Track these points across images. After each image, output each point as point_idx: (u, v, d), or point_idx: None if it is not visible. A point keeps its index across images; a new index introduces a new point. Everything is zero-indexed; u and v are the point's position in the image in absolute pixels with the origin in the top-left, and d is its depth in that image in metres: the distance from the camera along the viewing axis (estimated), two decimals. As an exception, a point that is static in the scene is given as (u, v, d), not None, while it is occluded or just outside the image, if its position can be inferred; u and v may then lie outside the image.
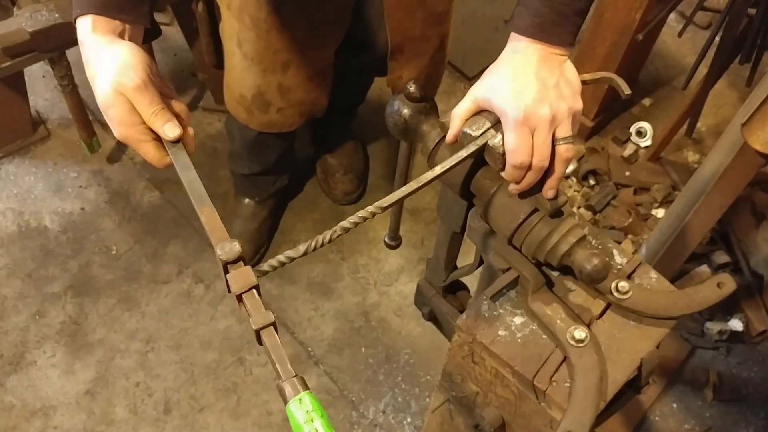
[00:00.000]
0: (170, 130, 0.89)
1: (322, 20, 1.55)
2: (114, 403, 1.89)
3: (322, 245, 0.84)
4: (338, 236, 0.84)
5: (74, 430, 1.85)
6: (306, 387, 0.76)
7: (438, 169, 0.89)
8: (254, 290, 0.80)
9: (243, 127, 1.77)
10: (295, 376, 0.76)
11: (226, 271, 0.81)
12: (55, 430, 1.85)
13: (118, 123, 0.90)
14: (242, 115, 1.71)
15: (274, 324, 0.79)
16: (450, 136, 0.96)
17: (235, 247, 0.81)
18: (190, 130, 0.93)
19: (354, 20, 1.61)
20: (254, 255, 2.09)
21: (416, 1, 1.50)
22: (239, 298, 0.80)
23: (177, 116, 0.92)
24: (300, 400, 0.75)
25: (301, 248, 0.84)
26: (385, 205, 0.85)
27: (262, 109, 1.67)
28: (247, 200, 2.09)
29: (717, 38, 1.90)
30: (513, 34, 0.93)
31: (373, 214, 0.85)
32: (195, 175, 0.87)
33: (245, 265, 0.81)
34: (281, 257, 0.83)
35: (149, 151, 0.91)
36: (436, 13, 1.56)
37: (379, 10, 1.53)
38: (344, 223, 0.85)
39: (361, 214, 0.85)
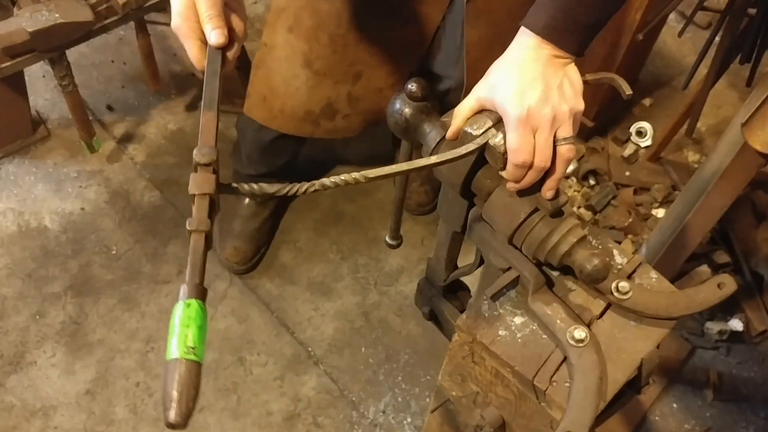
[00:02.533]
0: (215, 36, 0.91)
1: (402, 40, 1.55)
2: (114, 403, 1.89)
3: (296, 194, 0.85)
4: (315, 190, 0.85)
5: (74, 430, 1.85)
6: (203, 298, 0.76)
7: (433, 158, 0.89)
8: (208, 197, 0.81)
9: (259, 129, 1.77)
10: (200, 284, 0.77)
11: (195, 171, 0.82)
12: (55, 430, 1.85)
13: (177, 13, 0.92)
14: (308, 129, 1.70)
15: (207, 234, 0.80)
16: (450, 132, 0.97)
17: (212, 154, 0.82)
18: (236, 48, 0.95)
19: (431, 50, 1.59)
20: (254, 255, 2.09)
21: (494, 37, 1.48)
22: (192, 198, 0.81)
23: (231, 30, 0.94)
24: (189, 305, 0.76)
25: (275, 188, 0.84)
26: (371, 176, 0.85)
27: (329, 117, 1.67)
28: (248, 200, 2.08)
29: (717, 38, 1.90)
30: (524, 30, 0.93)
31: (356, 181, 0.85)
32: (217, 84, 0.89)
33: (214, 175, 0.82)
34: (254, 186, 0.85)
35: (192, 49, 0.93)
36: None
37: (459, 44, 1.53)
38: (325, 181, 0.85)
39: (344, 177, 0.85)
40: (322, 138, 1.77)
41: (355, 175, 0.86)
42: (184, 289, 0.77)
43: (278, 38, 1.57)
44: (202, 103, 0.88)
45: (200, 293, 0.77)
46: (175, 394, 0.75)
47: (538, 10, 0.92)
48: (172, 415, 0.74)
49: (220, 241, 2.09)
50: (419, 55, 1.60)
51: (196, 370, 0.77)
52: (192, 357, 0.76)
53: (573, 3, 0.91)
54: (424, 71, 1.65)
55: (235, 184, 0.85)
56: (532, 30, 0.92)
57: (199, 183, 0.81)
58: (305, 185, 0.85)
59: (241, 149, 1.99)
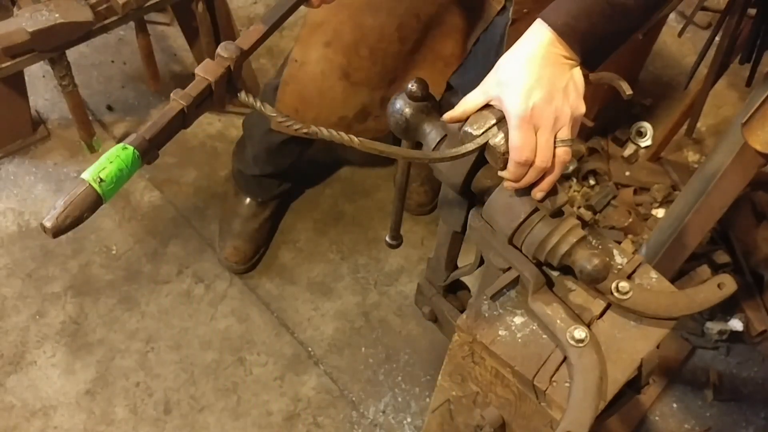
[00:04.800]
0: None
1: (439, 53, 1.55)
2: (114, 403, 1.89)
3: (290, 125, 0.86)
4: (306, 133, 0.86)
5: (74, 430, 1.85)
6: (142, 153, 0.81)
7: (432, 154, 0.89)
8: (207, 83, 0.83)
9: (268, 131, 1.76)
10: (147, 141, 0.81)
11: (212, 58, 0.86)
12: (55, 430, 1.85)
13: None
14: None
15: (183, 109, 0.83)
16: (448, 116, 0.97)
17: (235, 51, 0.85)
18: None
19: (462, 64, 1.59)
20: (253, 255, 2.08)
21: None
22: (194, 74, 0.85)
23: None
24: (125, 148, 0.81)
25: (273, 112, 0.85)
26: (367, 144, 0.86)
27: (362, 120, 1.67)
28: (248, 200, 2.08)
29: (717, 38, 1.90)
30: (541, 23, 0.93)
31: (350, 142, 0.86)
32: (285, 10, 0.92)
33: (226, 71, 0.84)
34: (255, 101, 0.86)
35: None
36: None
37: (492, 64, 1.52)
38: (323, 130, 0.86)
39: (340, 134, 0.86)
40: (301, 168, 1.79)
41: (351, 137, 0.86)
42: (131, 136, 0.82)
43: (312, 54, 1.57)
44: (261, 18, 0.90)
45: (142, 146, 0.81)
46: (61, 203, 0.80)
47: (559, 7, 0.92)
48: (48, 221, 0.80)
49: (219, 240, 2.08)
50: (453, 69, 1.61)
51: (92, 198, 0.82)
52: (96, 186, 0.81)
53: (596, 8, 0.91)
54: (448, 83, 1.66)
55: (243, 96, 0.86)
56: (550, 25, 0.92)
57: (206, 67, 0.85)
58: (303, 127, 0.86)
59: (247, 149, 1.99)
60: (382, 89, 1.61)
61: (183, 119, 0.83)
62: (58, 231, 0.79)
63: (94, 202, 0.81)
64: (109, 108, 2.35)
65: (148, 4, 1.95)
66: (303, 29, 1.59)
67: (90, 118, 2.18)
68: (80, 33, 1.89)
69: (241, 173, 2.05)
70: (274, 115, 0.86)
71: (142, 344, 1.98)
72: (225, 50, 0.85)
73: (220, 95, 0.85)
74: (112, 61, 2.44)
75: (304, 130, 0.86)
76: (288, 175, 2.03)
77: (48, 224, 0.79)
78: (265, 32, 0.89)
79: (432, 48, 1.56)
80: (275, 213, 2.15)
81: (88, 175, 0.81)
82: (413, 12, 1.49)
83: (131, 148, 0.80)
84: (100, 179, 0.81)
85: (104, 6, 1.89)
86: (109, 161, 0.80)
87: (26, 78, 2.08)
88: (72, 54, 2.00)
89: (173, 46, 2.47)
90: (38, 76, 2.37)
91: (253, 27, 0.89)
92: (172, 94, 0.82)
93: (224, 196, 2.15)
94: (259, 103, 0.86)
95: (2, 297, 2.01)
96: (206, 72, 0.84)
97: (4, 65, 1.88)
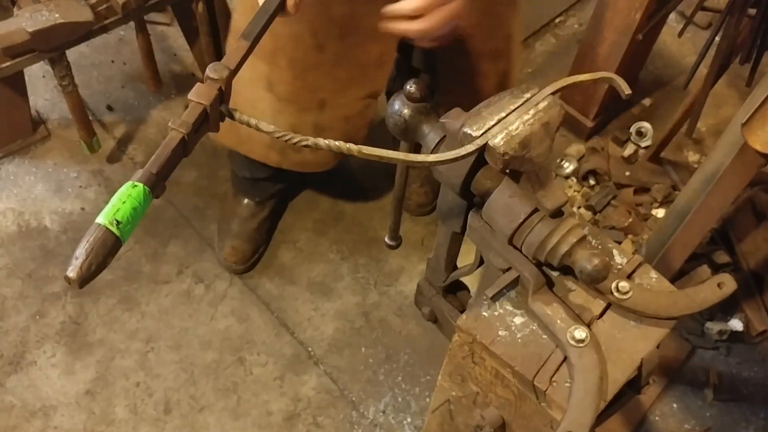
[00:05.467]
0: None
1: (364, 60, 1.50)
2: (114, 403, 1.89)
3: (288, 139, 0.87)
4: (305, 145, 0.86)
5: (74, 430, 1.85)
6: (152, 188, 0.80)
7: (431, 157, 0.89)
8: (202, 107, 0.83)
9: None
10: (155, 175, 0.80)
11: (202, 81, 0.86)
12: (55, 430, 1.85)
13: None
14: (274, 158, 1.67)
15: (184, 137, 0.82)
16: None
17: (223, 72, 0.85)
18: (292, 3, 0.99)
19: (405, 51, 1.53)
20: (252, 255, 2.08)
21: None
22: (189, 101, 0.85)
23: None
24: (135, 186, 0.80)
25: (270, 128, 0.86)
26: (365, 152, 0.86)
27: (296, 148, 1.63)
28: (246, 200, 2.08)
29: (717, 38, 1.90)
30: None
31: (349, 151, 0.85)
32: (263, 23, 0.92)
33: (218, 92, 0.84)
34: (251, 120, 0.87)
35: None
36: (493, 49, 1.52)
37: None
38: (320, 141, 0.86)
39: (338, 143, 0.85)
40: (292, 170, 1.72)
41: (351, 145, 0.86)
42: (138, 173, 0.81)
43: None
44: (241, 34, 0.91)
45: (150, 181, 0.80)
46: (83, 253, 0.78)
47: None
48: (72, 272, 0.77)
49: (218, 240, 2.08)
50: (386, 78, 1.56)
51: (111, 241, 0.80)
52: (113, 229, 0.80)
53: None
54: (401, 71, 1.60)
55: (237, 114, 0.86)
56: None
57: (199, 91, 0.85)
58: (298, 137, 0.86)
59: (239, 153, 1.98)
60: (311, 112, 1.55)
61: (184, 147, 0.83)
62: (83, 281, 0.77)
63: (113, 246, 0.79)
64: (109, 108, 2.35)
65: (148, 4, 1.96)
66: (230, 36, 1.57)
67: (90, 118, 2.18)
68: (80, 33, 1.89)
69: (236, 175, 2.05)
70: (272, 130, 0.87)
71: (142, 344, 1.98)
72: (214, 72, 0.85)
73: (214, 118, 0.86)
74: (112, 61, 2.44)
75: (304, 143, 0.86)
76: (282, 176, 2.02)
77: (72, 275, 0.77)
78: (249, 48, 0.89)
79: (356, 58, 1.49)
80: (274, 212, 2.15)
81: (103, 218, 0.79)
82: (325, 15, 1.42)
83: (141, 185, 0.79)
84: (117, 221, 0.79)
85: (104, 6, 1.90)
86: (121, 201, 0.78)
87: (26, 78, 2.08)
88: (72, 54, 2.00)
89: (173, 46, 2.47)
90: (38, 76, 2.37)
91: (236, 45, 0.89)
92: (170, 123, 0.82)
93: (224, 197, 2.15)
94: (255, 121, 0.87)
95: (2, 297, 2.01)
96: (200, 97, 0.84)
97: (4, 65, 1.88)
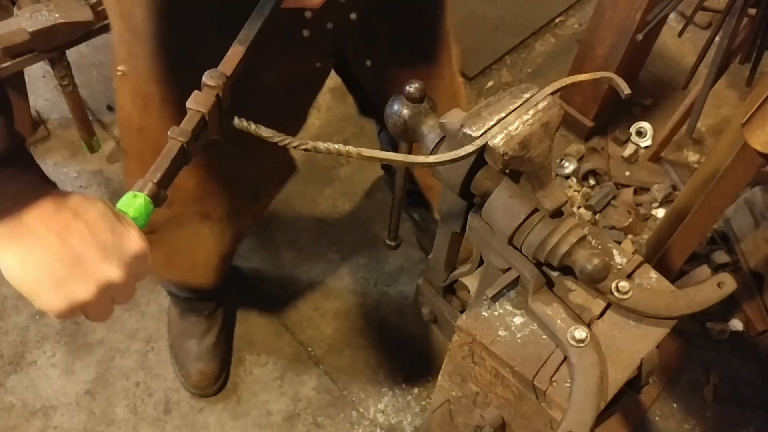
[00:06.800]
0: None
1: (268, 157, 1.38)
2: (114, 403, 1.89)
3: (287, 144, 0.85)
4: (305, 149, 0.84)
5: (74, 430, 1.85)
6: (152, 198, 0.79)
7: (431, 158, 0.89)
8: (201, 115, 0.83)
9: None
10: (155, 185, 0.79)
11: (200, 89, 0.85)
12: (55, 430, 1.85)
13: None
14: (227, 270, 1.58)
15: (183, 146, 0.82)
16: None
17: (220, 78, 0.85)
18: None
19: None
20: (221, 371, 1.92)
21: None
22: (187, 109, 0.84)
23: None
24: (135, 196, 0.79)
25: (269, 132, 0.85)
26: (365, 154, 0.85)
27: (238, 241, 1.58)
28: (194, 318, 1.91)
29: (717, 38, 1.90)
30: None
31: (348, 154, 0.85)
32: (258, 27, 0.90)
33: (216, 99, 0.84)
34: (251, 125, 0.85)
35: None
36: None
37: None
38: (319, 144, 0.85)
39: (338, 146, 0.85)
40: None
41: (350, 148, 0.86)
42: (139, 183, 0.79)
43: (159, 213, 1.45)
44: (237, 38, 0.89)
45: (152, 192, 0.79)
46: None
47: None
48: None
49: (179, 368, 1.92)
50: (300, 127, 1.41)
51: None
52: None
53: None
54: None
55: (237, 120, 0.86)
56: None
57: (197, 99, 0.84)
58: (297, 141, 0.85)
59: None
60: (250, 208, 1.47)
61: (184, 155, 0.83)
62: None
63: None
64: (109, 108, 2.35)
65: (148, 4, 1.95)
66: (125, 160, 1.43)
67: (90, 118, 2.18)
68: (80, 33, 1.89)
69: (177, 297, 1.88)
70: (270, 135, 0.86)
71: (142, 344, 1.98)
72: (211, 79, 0.84)
73: (214, 125, 0.85)
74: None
75: (303, 147, 0.86)
76: (216, 295, 1.90)
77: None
78: (245, 53, 0.88)
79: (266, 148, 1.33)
80: (228, 318, 2.00)
81: None
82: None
83: (142, 195, 0.79)
84: None
85: (104, 6, 1.89)
86: (121, 212, 0.79)
87: (26, 78, 2.09)
88: (72, 54, 2.00)
89: (173, 46, 2.47)
90: (38, 76, 2.37)
91: (231, 50, 0.88)
92: (169, 133, 0.82)
93: (167, 321, 2.01)
94: (254, 126, 0.87)
95: (2, 297, 2.01)
96: (198, 104, 0.83)
97: (4, 65, 1.88)
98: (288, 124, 1.09)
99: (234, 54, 0.88)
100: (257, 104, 1.19)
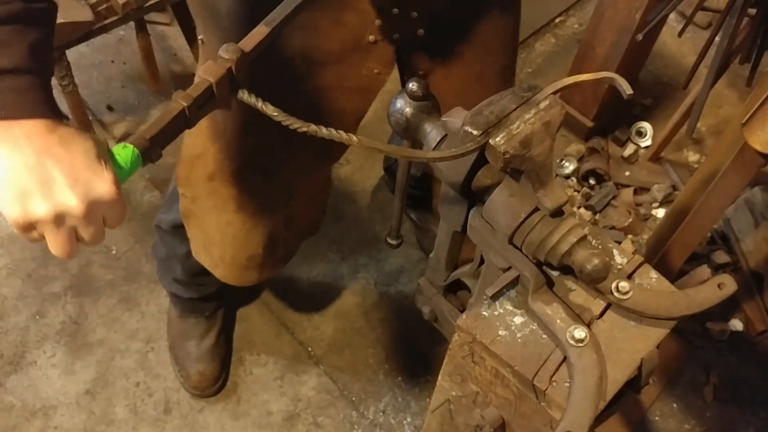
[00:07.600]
0: None
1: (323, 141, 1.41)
2: (114, 403, 1.89)
3: (289, 124, 0.84)
4: (304, 131, 0.84)
5: (74, 430, 1.85)
6: (142, 151, 0.81)
7: (432, 153, 0.89)
8: (208, 84, 0.83)
9: (187, 255, 1.62)
10: (148, 140, 0.81)
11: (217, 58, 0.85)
12: (55, 430, 1.85)
13: None
14: (252, 276, 1.56)
15: (184, 109, 0.82)
16: None
17: (235, 53, 0.85)
18: None
19: None
20: (221, 372, 1.93)
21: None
22: (197, 76, 0.85)
23: None
24: (125, 146, 0.81)
25: (272, 110, 0.85)
26: (365, 143, 0.85)
27: (272, 251, 1.53)
28: (194, 319, 1.93)
29: (717, 38, 1.90)
30: None
31: (349, 141, 0.84)
32: (287, 12, 0.90)
33: (227, 72, 0.84)
34: (258, 101, 0.85)
35: None
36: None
37: None
38: (322, 128, 0.84)
39: (338, 132, 0.85)
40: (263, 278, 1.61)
41: (351, 136, 0.86)
42: (132, 136, 0.82)
43: (199, 188, 1.42)
44: (264, 19, 0.89)
45: (142, 145, 0.81)
46: None
47: None
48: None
49: (179, 369, 1.93)
50: (344, 148, 1.40)
51: None
52: None
53: None
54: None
55: (243, 94, 0.85)
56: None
57: (207, 69, 0.84)
58: (298, 122, 0.85)
59: (172, 273, 1.83)
60: (283, 209, 1.47)
61: (185, 119, 0.83)
62: None
63: None
64: (109, 108, 2.35)
65: (148, 4, 1.96)
66: (179, 165, 1.45)
67: (90, 118, 2.19)
68: (80, 33, 1.89)
69: (178, 298, 1.89)
70: (276, 113, 0.86)
71: (142, 344, 1.98)
72: (226, 52, 0.85)
73: (223, 96, 0.85)
74: (112, 61, 2.44)
75: (304, 129, 0.85)
76: (220, 295, 1.89)
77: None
78: (269, 34, 0.88)
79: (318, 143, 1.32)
80: (227, 319, 2.01)
81: None
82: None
83: (131, 146, 0.80)
84: None
85: (104, 6, 1.89)
86: (114, 155, 0.80)
87: (26, 78, 2.08)
88: (72, 54, 2.00)
89: (173, 46, 2.47)
90: (38, 76, 2.36)
91: (256, 29, 0.88)
92: (174, 95, 0.83)
93: (167, 322, 2.01)
94: (260, 103, 0.86)
95: (2, 297, 2.01)
96: (207, 73, 0.84)
97: (4, 65, 1.88)
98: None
99: (258, 33, 0.88)
100: (310, 103, 1.23)
